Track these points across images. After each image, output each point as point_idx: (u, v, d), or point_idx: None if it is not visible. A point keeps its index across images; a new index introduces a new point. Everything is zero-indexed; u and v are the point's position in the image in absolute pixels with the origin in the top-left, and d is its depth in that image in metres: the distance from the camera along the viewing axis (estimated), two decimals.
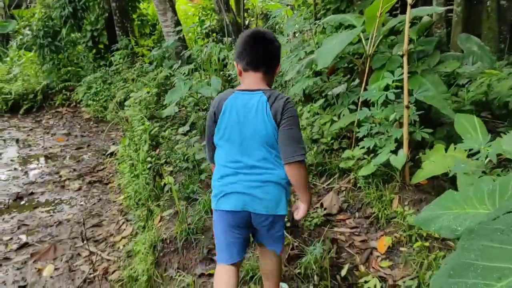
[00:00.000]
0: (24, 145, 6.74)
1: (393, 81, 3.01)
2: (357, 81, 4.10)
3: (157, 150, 5.16)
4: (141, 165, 4.09)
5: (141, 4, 11.25)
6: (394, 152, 2.96)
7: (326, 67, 4.18)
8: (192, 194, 3.46)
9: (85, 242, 3.54)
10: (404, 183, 3.06)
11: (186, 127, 5.50)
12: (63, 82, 8.96)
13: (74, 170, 5.56)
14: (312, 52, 4.63)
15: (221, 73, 6.16)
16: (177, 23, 7.99)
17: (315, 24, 4.88)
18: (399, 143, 3.03)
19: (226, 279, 1.88)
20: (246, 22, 8.35)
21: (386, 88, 3.07)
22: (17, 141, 6.88)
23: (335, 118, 3.89)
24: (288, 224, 2.79)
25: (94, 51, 9.92)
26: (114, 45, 8.79)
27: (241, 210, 1.83)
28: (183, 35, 8.14)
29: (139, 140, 4.83)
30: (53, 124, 8.03)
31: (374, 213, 2.95)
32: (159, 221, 3.36)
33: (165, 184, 3.67)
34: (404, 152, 2.91)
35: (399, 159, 2.90)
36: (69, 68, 8.89)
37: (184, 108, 6.29)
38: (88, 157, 6.12)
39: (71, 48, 9.18)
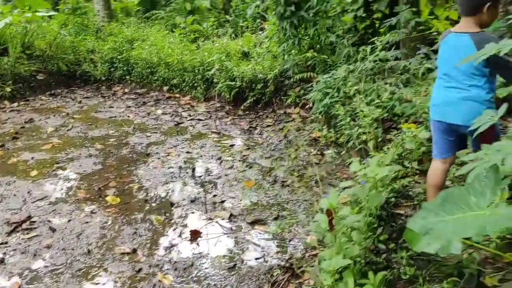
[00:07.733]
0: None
1: None
2: None
3: None
4: None
5: None
6: None
7: None
8: None
9: None
10: None
11: None
12: (303, 71, 6.05)
13: None
14: None
15: None
16: None
17: None
18: None
19: (435, 169, 2.51)
20: None
21: None
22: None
23: None
24: None
25: (367, 22, 6.51)
26: (390, 19, 5.10)
27: (441, 120, 2.40)
28: None
29: None
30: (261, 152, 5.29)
31: None
32: None
33: None
34: None
35: None
36: (310, 54, 5.78)
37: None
38: None
39: (322, 21, 6.01)
